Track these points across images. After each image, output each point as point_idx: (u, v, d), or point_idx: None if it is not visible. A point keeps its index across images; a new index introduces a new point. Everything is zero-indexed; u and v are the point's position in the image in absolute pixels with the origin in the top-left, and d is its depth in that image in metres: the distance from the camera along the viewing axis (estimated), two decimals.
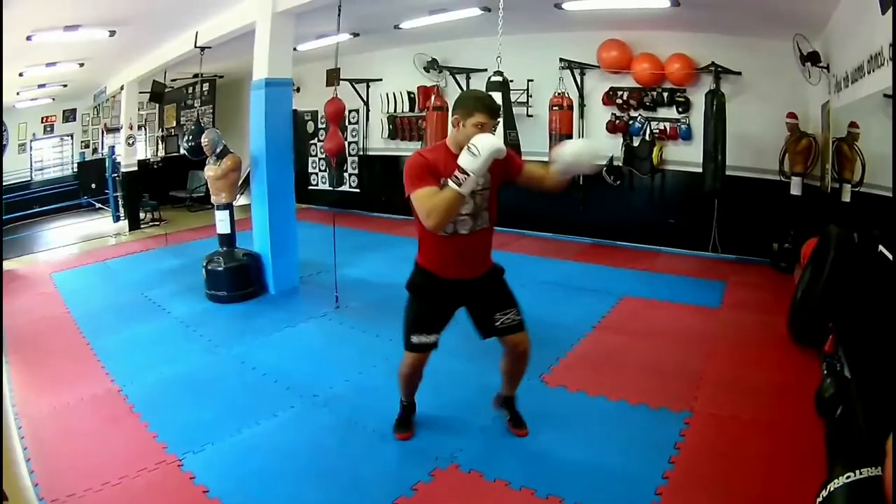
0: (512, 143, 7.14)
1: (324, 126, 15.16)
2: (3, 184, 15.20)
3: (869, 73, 5.82)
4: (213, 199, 9.02)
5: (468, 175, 3.82)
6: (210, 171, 8.94)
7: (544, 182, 4.52)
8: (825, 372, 5.39)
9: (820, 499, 2.90)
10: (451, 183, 3.87)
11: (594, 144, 4.19)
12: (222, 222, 8.95)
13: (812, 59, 8.61)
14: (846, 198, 7.20)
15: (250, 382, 6.10)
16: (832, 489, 2.85)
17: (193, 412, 5.42)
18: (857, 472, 2.81)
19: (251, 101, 9.07)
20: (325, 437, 5.02)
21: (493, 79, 7.27)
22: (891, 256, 4.98)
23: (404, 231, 13.10)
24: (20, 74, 12.63)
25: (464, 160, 3.84)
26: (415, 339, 4.56)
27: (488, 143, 3.84)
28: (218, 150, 8.88)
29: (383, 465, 4.63)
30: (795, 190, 9.65)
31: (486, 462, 4.58)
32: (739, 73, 10.27)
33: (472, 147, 3.82)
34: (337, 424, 5.22)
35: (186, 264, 10.31)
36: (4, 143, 16.69)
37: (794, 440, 4.84)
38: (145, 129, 18.07)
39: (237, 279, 8.70)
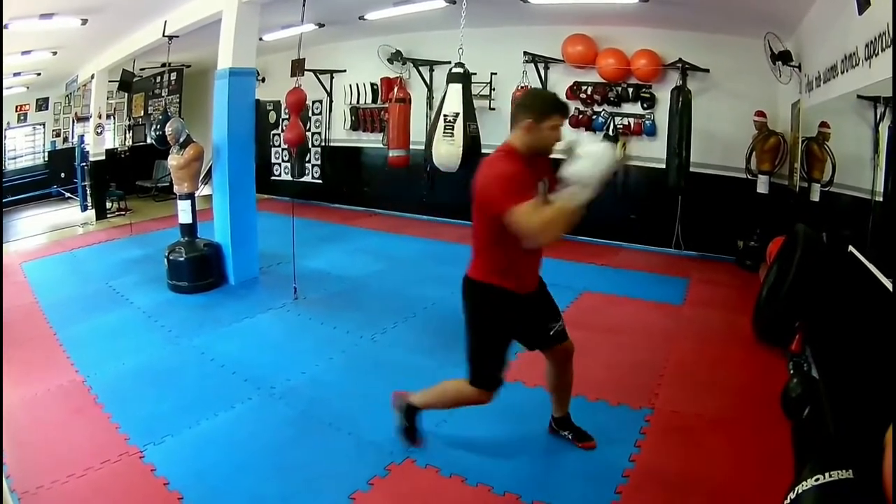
0: (472, 134, 7.00)
1: (286, 116, 14.83)
2: None
3: (842, 73, 5.85)
4: (176, 188, 8.92)
5: (587, 188, 3.45)
6: (173, 160, 8.81)
7: None
8: (792, 372, 5.33)
9: (788, 501, 2.78)
10: (565, 195, 3.49)
11: (607, 146, 3.78)
12: (184, 212, 8.83)
13: (783, 58, 8.61)
14: (815, 197, 7.09)
15: (209, 374, 6.04)
16: (800, 491, 2.72)
17: (154, 403, 5.37)
18: (827, 474, 2.67)
19: (215, 91, 8.94)
20: (282, 430, 4.96)
21: (454, 70, 7.14)
22: (864, 258, 4.90)
23: (364, 223, 13.24)
24: None
25: (585, 171, 3.46)
26: (500, 374, 4.20)
27: (606, 155, 3.50)
28: (181, 140, 8.77)
29: (339, 458, 4.55)
30: (762, 188, 9.64)
31: (442, 457, 4.51)
32: (707, 71, 10.24)
33: (592, 158, 3.48)
34: (293, 417, 5.16)
35: (150, 254, 10.20)
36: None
37: (760, 439, 4.78)
38: (114, 118, 17.85)
39: (198, 269, 8.60)
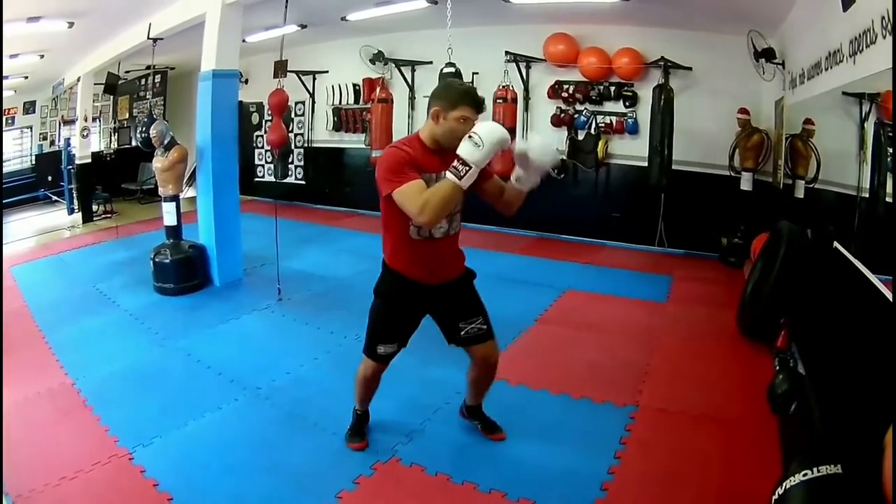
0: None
1: (269, 118, 14.91)
2: None
3: (826, 69, 5.79)
4: (161, 190, 8.87)
5: (469, 167, 3.49)
6: (157, 162, 8.76)
7: (501, 197, 4.13)
8: (777, 368, 5.28)
9: (775, 497, 2.77)
10: (449, 174, 3.53)
11: (546, 137, 3.84)
12: (169, 214, 8.77)
13: (766, 55, 8.59)
14: (800, 194, 7.15)
15: (195, 375, 6.01)
16: (788, 486, 2.71)
17: (142, 405, 5.35)
18: (815, 469, 2.66)
19: (199, 93, 8.88)
20: (268, 430, 4.95)
21: (446, 70, 7.10)
22: (850, 255, 4.87)
23: (347, 223, 13.22)
24: None
25: (466, 150, 3.49)
26: (381, 349, 4.30)
27: (494, 132, 3.53)
28: (166, 142, 8.69)
29: (325, 458, 4.52)
30: (746, 185, 9.63)
31: (427, 456, 4.49)
32: (690, 69, 10.20)
33: (474, 136, 3.50)
34: (279, 417, 5.14)
35: (136, 256, 10.12)
36: None
37: (746, 436, 4.76)
38: (100, 121, 17.66)
39: (183, 271, 8.55)
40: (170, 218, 8.78)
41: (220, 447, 4.68)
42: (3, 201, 15.61)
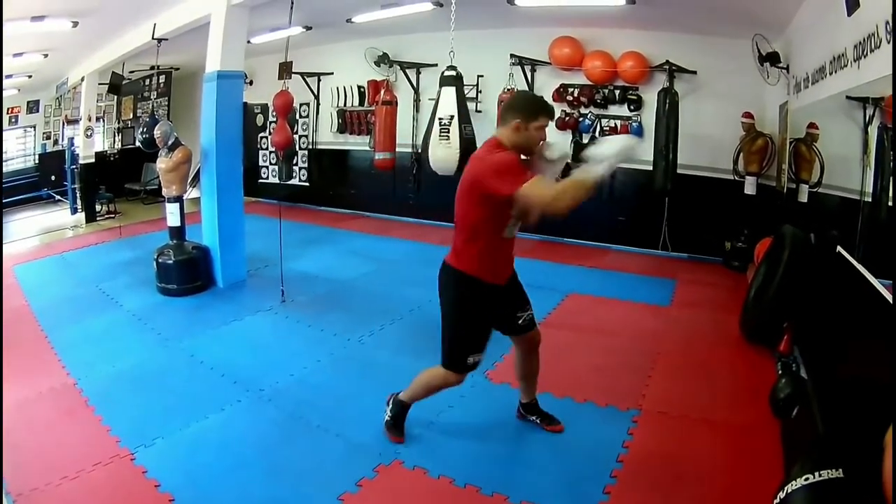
0: (467, 136, 6.98)
1: (274, 119, 14.88)
2: None
3: (831, 73, 5.78)
4: (164, 191, 8.83)
5: (602, 171, 3.67)
6: (161, 163, 8.74)
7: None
8: (780, 371, 5.30)
9: (777, 500, 2.75)
10: (581, 174, 3.68)
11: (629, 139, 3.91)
12: (172, 215, 8.75)
13: (771, 59, 8.57)
14: (803, 198, 7.12)
15: (198, 376, 6.00)
16: (790, 490, 2.69)
17: (144, 406, 5.34)
18: (817, 473, 2.65)
19: (203, 94, 8.86)
20: (271, 432, 4.93)
21: (447, 73, 7.10)
22: (853, 259, 4.85)
23: (351, 225, 13.21)
24: None
25: (605, 156, 3.68)
26: (471, 359, 4.32)
27: (624, 147, 3.73)
28: (170, 143, 8.69)
29: (327, 460, 4.52)
30: (750, 189, 9.61)
31: (429, 458, 4.48)
32: (695, 73, 10.20)
33: (614, 146, 3.71)
34: (282, 419, 5.13)
35: (139, 257, 10.13)
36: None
37: (749, 440, 4.74)
38: (103, 120, 17.76)
39: (187, 272, 8.54)
40: (173, 219, 8.75)
41: (222, 448, 4.67)
42: (6, 200, 15.64)
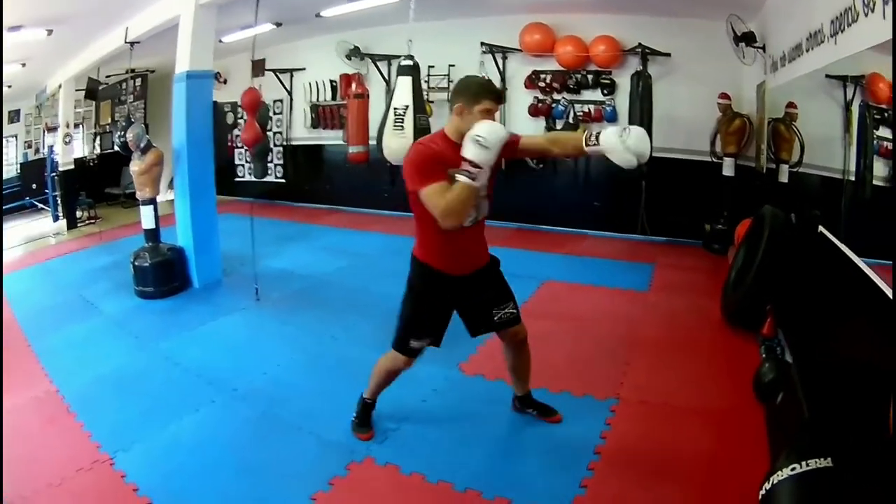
0: (422, 126, 6.89)
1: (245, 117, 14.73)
2: None
3: (807, 51, 5.71)
4: (138, 194, 8.71)
5: (480, 168, 3.53)
6: (134, 165, 8.61)
7: (550, 153, 4.36)
8: (764, 355, 5.18)
9: (763, 491, 2.64)
10: (462, 178, 3.55)
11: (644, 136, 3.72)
12: (147, 217, 8.64)
13: (747, 39, 8.49)
14: (784, 178, 7.04)
15: (174, 378, 5.92)
16: (776, 481, 2.59)
17: (123, 410, 5.29)
18: (804, 463, 2.54)
19: (174, 95, 8.77)
20: (245, 432, 4.87)
21: (403, 63, 6.98)
22: (835, 239, 4.76)
23: (327, 220, 13.22)
24: None
25: (472, 152, 3.52)
26: (414, 343, 4.24)
27: (495, 132, 3.56)
28: (142, 145, 8.54)
29: (300, 459, 4.44)
30: (728, 171, 9.54)
31: (402, 455, 4.38)
32: (668, 55, 10.11)
33: (478, 138, 3.51)
34: (255, 418, 5.06)
35: (118, 261, 9.94)
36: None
37: (732, 427, 4.62)
38: (83, 126, 17.62)
39: (163, 274, 8.42)
40: (148, 221, 8.65)
41: (197, 450, 4.61)
42: None
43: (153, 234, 8.67)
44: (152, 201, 8.64)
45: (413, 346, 4.24)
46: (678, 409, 4.89)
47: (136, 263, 8.38)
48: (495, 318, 4.30)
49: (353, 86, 11.70)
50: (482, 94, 3.78)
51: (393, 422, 4.77)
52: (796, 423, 3.90)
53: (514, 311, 4.36)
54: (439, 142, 3.85)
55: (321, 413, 4.94)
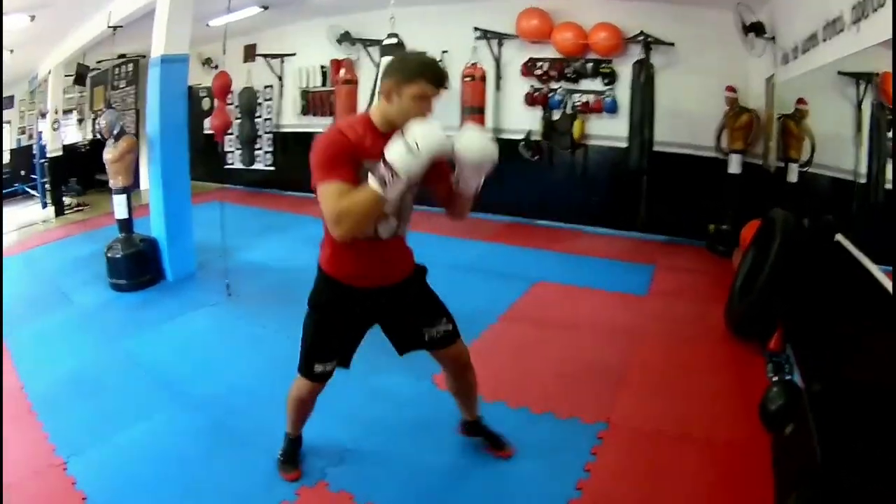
0: None
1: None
2: None
3: (824, 40, 5.35)
4: (111, 182, 8.32)
5: (399, 177, 2.87)
6: (108, 153, 8.24)
7: (454, 203, 3.53)
8: (771, 375, 4.79)
9: None
10: (373, 181, 2.92)
11: (482, 132, 3.15)
12: (120, 207, 8.28)
13: (756, 29, 8.07)
14: (793, 178, 6.72)
15: (132, 380, 5.60)
16: None
17: (81, 411, 5.05)
18: None
19: (148, 80, 8.48)
20: (196, 444, 4.52)
21: (387, 42, 6.52)
22: (855, 249, 4.37)
23: (312, 210, 12.62)
24: None
25: (397, 155, 2.88)
26: (318, 367, 3.62)
27: (434, 139, 2.89)
28: (115, 132, 8.19)
29: (250, 479, 4.06)
30: (734, 168, 9.09)
31: (358, 481, 3.94)
32: (672, 44, 9.66)
33: (410, 140, 2.87)
34: (208, 429, 4.72)
35: (98, 251, 9.29)
36: None
37: (734, 459, 4.13)
38: (76, 112, 17.58)
39: (135, 266, 8.08)
40: (121, 211, 8.31)
41: (146, 460, 4.30)
42: None
43: (126, 225, 8.35)
44: (125, 190, 8.28)
45: (318, 371, 3.64)
46: (674, 439, 4.41)
47: (109, 255, 8.08)
48: (426, 338, 3.70)
49: (342, 71, 11.41)
50: (418, 74, 3.08)
51: (353, 441, 4.35)
52: (806, 459, 3.39)
53: (450, 328, 3.74)
54: (359, 128, 3.21)
55: (277, 427, 4.32)
